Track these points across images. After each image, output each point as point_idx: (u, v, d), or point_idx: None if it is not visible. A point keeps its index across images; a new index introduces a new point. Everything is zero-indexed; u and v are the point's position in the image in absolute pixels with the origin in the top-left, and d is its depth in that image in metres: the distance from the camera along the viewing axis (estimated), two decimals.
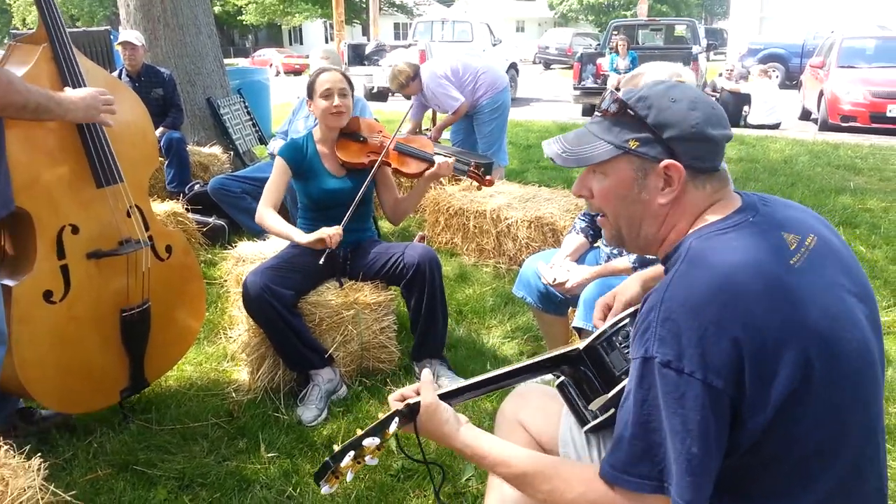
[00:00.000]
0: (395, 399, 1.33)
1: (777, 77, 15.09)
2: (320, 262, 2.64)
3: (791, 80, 15.63)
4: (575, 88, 12.50)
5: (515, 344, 3.24)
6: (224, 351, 3.13)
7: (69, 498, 1.74)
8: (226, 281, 3.21)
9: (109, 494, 2.17)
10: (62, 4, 31.56)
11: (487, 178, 3.10)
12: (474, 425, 1.30)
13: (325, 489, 1.27)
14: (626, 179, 1.16)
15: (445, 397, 1.32)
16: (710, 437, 0.99)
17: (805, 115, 11.69)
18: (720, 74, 11.58)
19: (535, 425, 1.54)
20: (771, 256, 1.06)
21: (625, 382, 1.15)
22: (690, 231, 1.14)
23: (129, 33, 5.38)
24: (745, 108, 10.49)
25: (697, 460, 0.99)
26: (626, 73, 10.55)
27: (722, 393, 0.99)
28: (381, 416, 1.29)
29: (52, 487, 1.57)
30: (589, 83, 12.35)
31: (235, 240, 4.09)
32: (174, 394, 2.77)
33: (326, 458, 1.27)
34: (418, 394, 1.31)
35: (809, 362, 1.00)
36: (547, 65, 27.83)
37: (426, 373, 1.36)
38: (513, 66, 14.62)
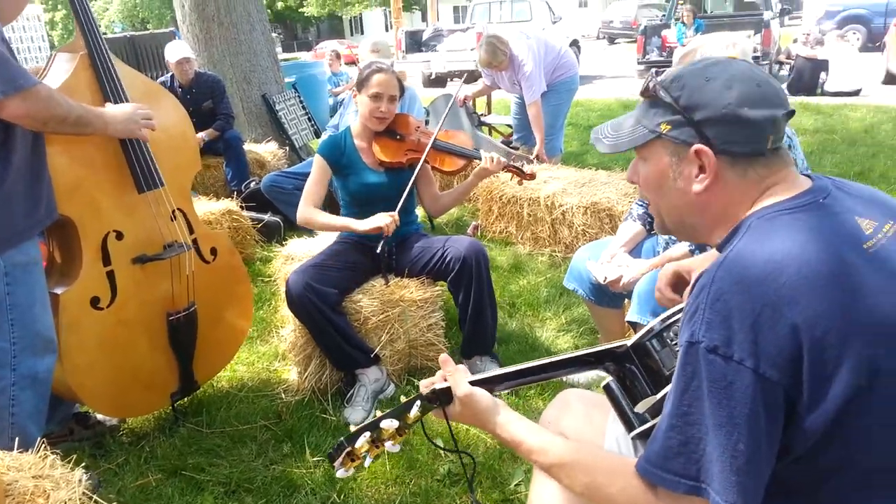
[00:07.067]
0: (425, 386, 1.29)
1: (858, 40, 14.17)
2: (377, 251, 2.60)
3: (874, 42, 14.66)
4: (639, 63, 12.12)
5: (570, 337, 3.11)
6: (276, 350, 3.12)
7: None
8: (276, 280, 3.21)
9: (158, 501, 2.19)
10: (134, 8, 32.77)
11: (527, 171, 2.95)
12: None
13: (340, 472, 1.23)
14: (663, 165, 1.09)
15: (478, 385, 1.26)
16: (759, 433, 0.89)
17: (890, 80, 10.88)
18: (795, 40, 10.95)
19: (577, 435, 1.45)
20: (842, 239, 0.94)
21: None
22: (749, 213, 1.02)
23: (175, 50, 5.13)
24: (823, 74, 9.88)
25: (744, 458, 0.89)
26: None
27: (776, 385, 0.89)
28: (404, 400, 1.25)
29: (95, 497, 1.57)
30: (654, 56, 11.93)
31: (293, 235, 4.09)
32: (226, 395, 2.78)
33: (341, 438, 1.22)
34: (445, 380, 1.26)
35: (876, 359, 0.89)
36: (611, 39, 27.05)
37: (454, 365, 1.30)
38: (574, 43, 14.20)
